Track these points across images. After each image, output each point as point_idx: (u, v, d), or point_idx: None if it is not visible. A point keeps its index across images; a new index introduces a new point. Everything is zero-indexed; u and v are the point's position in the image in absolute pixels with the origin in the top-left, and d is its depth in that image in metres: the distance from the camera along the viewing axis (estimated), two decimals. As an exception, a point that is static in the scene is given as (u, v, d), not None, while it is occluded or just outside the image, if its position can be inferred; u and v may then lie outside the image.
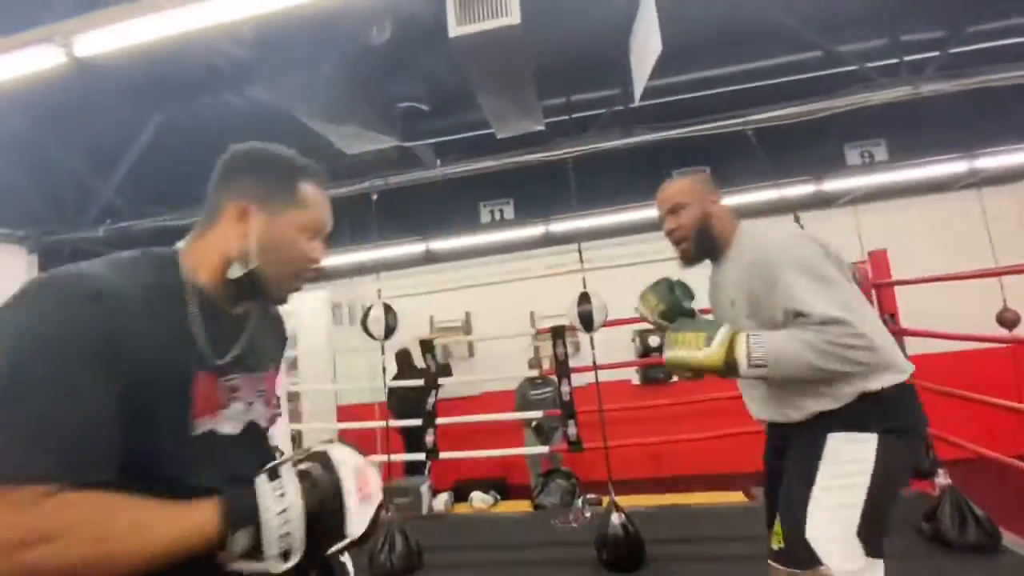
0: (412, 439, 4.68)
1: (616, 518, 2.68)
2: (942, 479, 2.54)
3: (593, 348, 2.97)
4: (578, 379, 4.18)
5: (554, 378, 5.14)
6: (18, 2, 1.68)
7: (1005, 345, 4.34)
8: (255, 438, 0.81)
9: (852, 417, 1.23)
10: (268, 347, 0.89)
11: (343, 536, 0.66)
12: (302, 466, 0.67)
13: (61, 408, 0.58)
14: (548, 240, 5.03)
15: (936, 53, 2.72)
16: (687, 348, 1.29)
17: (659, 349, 5.43)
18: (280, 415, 0.91)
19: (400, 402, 4.58)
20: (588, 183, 4.52)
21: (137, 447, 0.64)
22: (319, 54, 2.15)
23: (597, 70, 3.08)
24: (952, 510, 2.47)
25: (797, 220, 3.16)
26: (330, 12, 1.81)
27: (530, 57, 2.18)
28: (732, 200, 4.00)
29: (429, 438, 3.48)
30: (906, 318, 3.17)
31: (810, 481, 1.22)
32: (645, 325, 3.76)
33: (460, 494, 4.30)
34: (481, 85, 2.30)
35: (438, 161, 2.94)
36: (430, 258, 5.15)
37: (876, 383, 1.22)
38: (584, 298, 2.82)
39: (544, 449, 3.88)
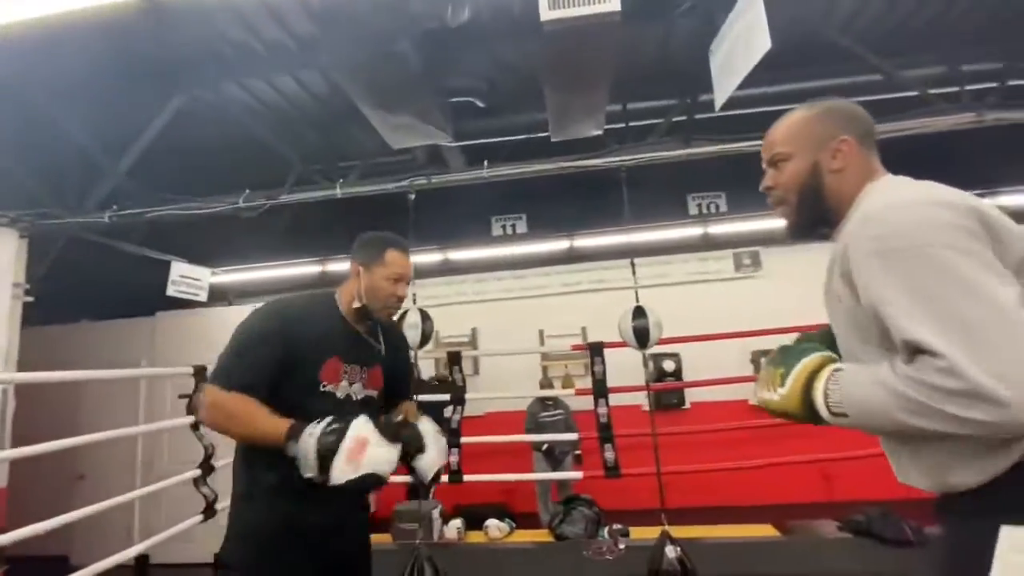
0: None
1: (671, 551, 2.49)
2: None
3: (647, 367, 2.79)
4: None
5: (565, 400, 5.02)
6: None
7: None
8: (352, 402, 1.38)
9: None
10: (378, 351, 1.48)
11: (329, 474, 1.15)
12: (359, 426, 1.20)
13: (245, 358, 1.30)
14: (569, 257, 4.89)
15: (994, 84, 2.75)
16: (766, 387, 0.95)
17: (674, 374, 5.35)
18: (374, 396, 1.45)
19: (408, 419, 4.30)
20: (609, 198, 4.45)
21: (294, 386, 1.30)
22: (388, 32, 1.98)
23: (648, 80, 3.00)
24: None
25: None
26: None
27: (618, 51, 2.06)
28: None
29: (453, 459, 3.22)
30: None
31: None
32: (658, 348, 3.65)
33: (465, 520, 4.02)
34: (557, 78, 2.17)
35: (486, 164, 2.77)
36: (448, 269, 4.95)
37: None
38: (639, 312, 2.66)
39: (578, 475, 3.63)
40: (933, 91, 2.73)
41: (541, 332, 5.67)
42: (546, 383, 5.24)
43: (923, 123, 2.73)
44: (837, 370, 0.85)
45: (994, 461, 0.74)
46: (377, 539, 3.86)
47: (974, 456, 0.76)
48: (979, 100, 2.70)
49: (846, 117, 0.97)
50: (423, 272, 5.17)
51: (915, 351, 0.73)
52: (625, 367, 3.61)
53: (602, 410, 3.19)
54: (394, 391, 1.61)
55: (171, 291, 3.98)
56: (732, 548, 3.14)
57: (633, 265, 3.03)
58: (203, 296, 4.40)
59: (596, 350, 3.15)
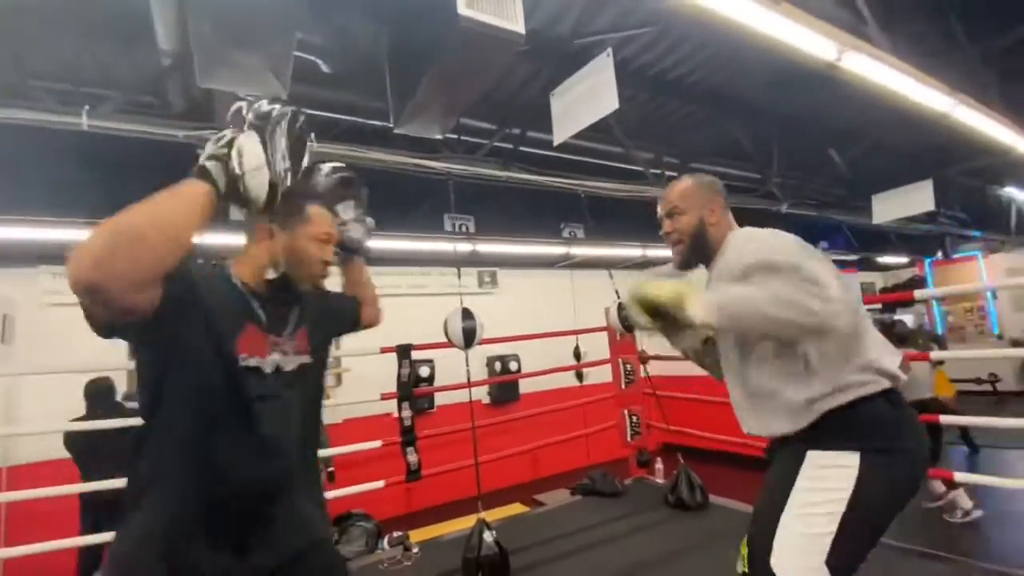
0: (103, 508, 3.26)
1: (489, 536, 2.65)
2: (680, 460, 3.66)
3: (468, 366, 2.93)
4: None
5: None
6: None
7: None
8: (285, 374, 1.10)
9: (834, 433, 1.16)
10: (308, 316, 1.19)
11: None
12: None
13: None
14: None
15: (676, 173, 4.16)
16: (658, 287, 1.21)
17: (428, 379, 5.54)
18: (308, 362, 1.16)
19: (89, 455, 3.19)
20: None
21: (207, 366, 0.97)
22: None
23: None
24: (686, 482, 3.57)
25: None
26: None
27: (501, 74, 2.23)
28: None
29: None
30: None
31: (781, 504, 1.16)
32: (415, 355, 3.89)
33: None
34: (444, 71, 2.16)
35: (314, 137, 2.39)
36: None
37: (858, 392, 1.16)
38: (467, 314, 2.80)
39: (379, 484, 3.35)
40: (651, 170, 3.93)
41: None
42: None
43: (641, 189, 3.89)
44: (706, 292, 1.21)
45: (799, 420, 1.19)
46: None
47: (790, 415, 1.20)
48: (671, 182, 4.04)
49: (716, 187, 1.44)
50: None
51: (799, 274, 1.11)
52: (378, 375, 3.52)
53: (406, 414, 3.13)
54: (343, 310, 1.42)
55: None
56: (499, 529, 3.53)
57: (460, 273, 3.15)
58: None
59: (404, 352, 3.08)
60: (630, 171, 4.00)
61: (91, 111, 2.06)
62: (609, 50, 2.34)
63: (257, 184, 0.92)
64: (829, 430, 1.17)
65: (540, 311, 6.13)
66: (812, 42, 1.94)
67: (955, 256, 9.42)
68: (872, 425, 1.16)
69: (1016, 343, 8.02)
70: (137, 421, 1.00)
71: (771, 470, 1.27)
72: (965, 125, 2.97)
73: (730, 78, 3.50)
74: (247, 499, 1.00)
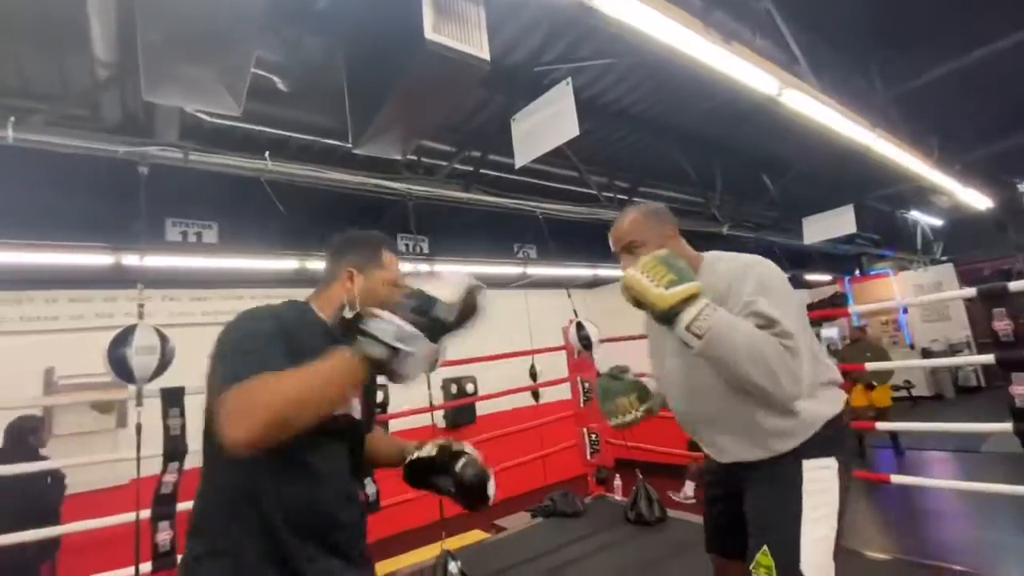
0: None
1: (454, 566, 2.56)
2: (639, 475, 3.71)
3: (429, 388, 2.85)
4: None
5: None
6: None
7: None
8: (356, 423, 1.18)
9: (819, 443, 1.26)
10: None
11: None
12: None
13: (259, 353, 0.96)
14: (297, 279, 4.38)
15: (626, 197, 4.32)
16: (652, 277, 1.16)
17: (383, 405, 5.33)
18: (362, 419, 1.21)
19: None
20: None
21: None
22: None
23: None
24: (644, 498, 3.63)
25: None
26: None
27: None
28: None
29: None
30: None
31: (798, 512, 1.21)
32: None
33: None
34: (408, 96, 2.15)
35: (268, 155, 2.27)
36: (120, 276, 3.54)
37: (834, 408, 1.30)
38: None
39: None
40: (604, 193, 4.06)
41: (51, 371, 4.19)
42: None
43: (596, 212, 4.01)
44: (711, 306, 1.12)
45: (811, 423, 1.26)
46: None
47: (773, 439, 1.27)
48: (622, 205, 4.21)
49: (668, 216, 1.41)
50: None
51: (780, 330, 1.14)
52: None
53: (170, 477, 2.18)
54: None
55: None
56: (461, 558, 3.42)
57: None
58: None
59: (173, 398, 2.22)
60: (584, 194, 4.12)
61: (17, 124, 1.88)
62: (568, 79, 2.43)
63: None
64: (814, 443, 1.27)
65: (496, 331, 6.12)
66: (757, 78, 2.10)
67: (870, 273, 10.31)
68: (842, 434, 1.32)
69: (926, 352, 8.81)
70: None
71: (761, 479, 1.29)
72: (883, 157, 3.30)
73: (670, 109, 3.68)
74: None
